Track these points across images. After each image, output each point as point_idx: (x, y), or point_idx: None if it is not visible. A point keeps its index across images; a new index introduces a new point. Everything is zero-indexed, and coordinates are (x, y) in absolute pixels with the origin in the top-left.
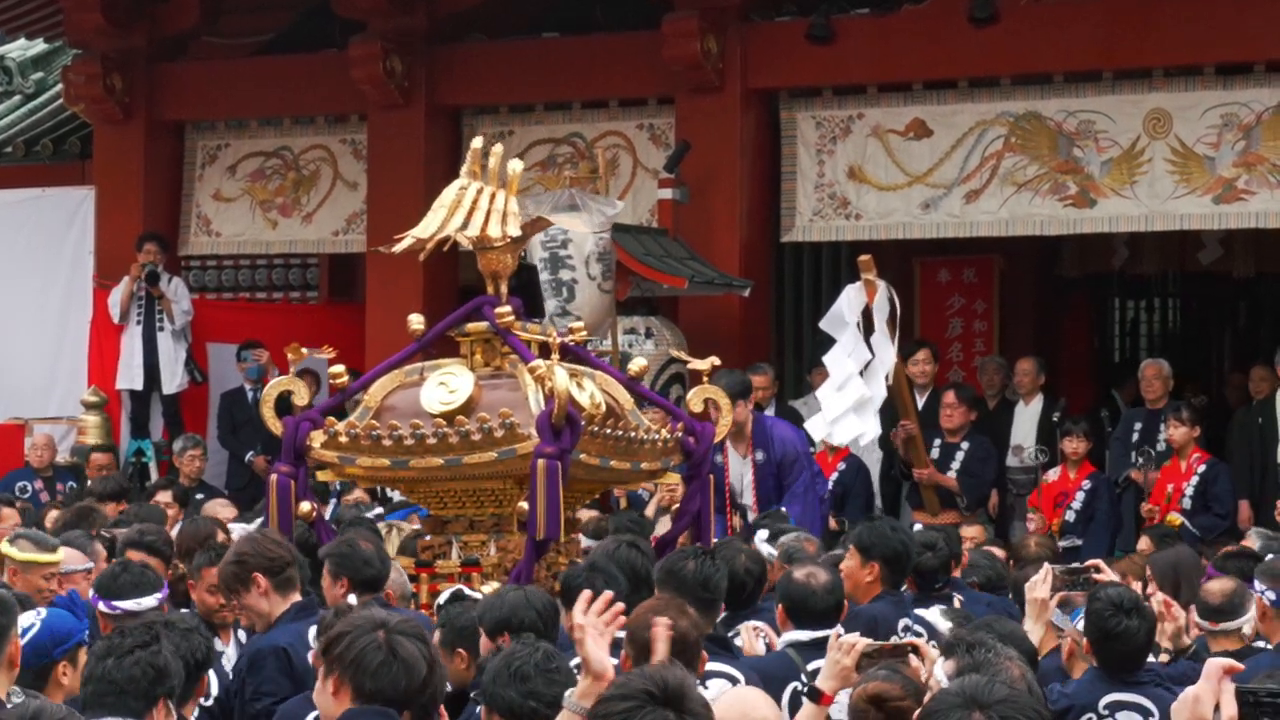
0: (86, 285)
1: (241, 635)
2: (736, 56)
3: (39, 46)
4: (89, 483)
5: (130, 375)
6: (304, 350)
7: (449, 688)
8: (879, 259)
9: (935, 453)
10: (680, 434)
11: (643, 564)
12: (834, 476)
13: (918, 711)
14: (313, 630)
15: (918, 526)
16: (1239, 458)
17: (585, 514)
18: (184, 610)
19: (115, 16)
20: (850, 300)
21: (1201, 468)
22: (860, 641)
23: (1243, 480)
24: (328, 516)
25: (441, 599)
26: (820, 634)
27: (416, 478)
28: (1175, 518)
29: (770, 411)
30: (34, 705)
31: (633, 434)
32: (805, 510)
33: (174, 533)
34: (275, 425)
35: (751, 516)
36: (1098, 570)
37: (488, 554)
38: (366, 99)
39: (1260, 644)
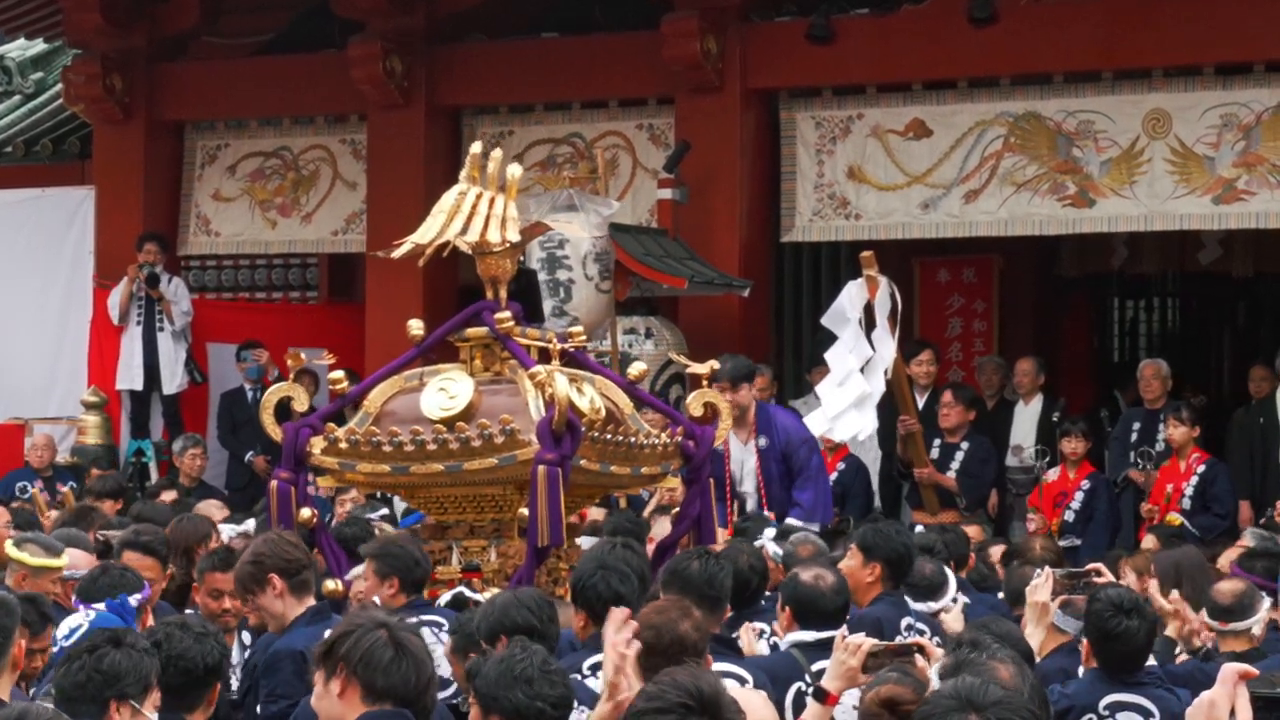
0: (86, 285)
1: (245, 638)
2: (736, 56)
3: (39, 46)
4: (88, 482)
5: (130, 375)
6: (302, 356)
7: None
8: (878, 259)
9: (935, 453)
10: (680, 438)
11: (639, 564)
12: (833, 476)
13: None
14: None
15: (919, 528)
16: (1239, 457)
17: (598, 512)
18: (190, 612)
19: (115, 16)
20: (852, 296)
21: (1201, 468)
22: (867, 642)
23: (1243, 480)
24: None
25: (442, 600)
26: (824, 635)
27: (417, 483)
28: (1175, 518)
29: None
30: (19, 707)
31: (633, 439)
32: (818, 494)
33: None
34: (275, 432)
35: (751, 505)
36: (1098, 574)
37: (488, 559)
38: (366, 99)
39: None
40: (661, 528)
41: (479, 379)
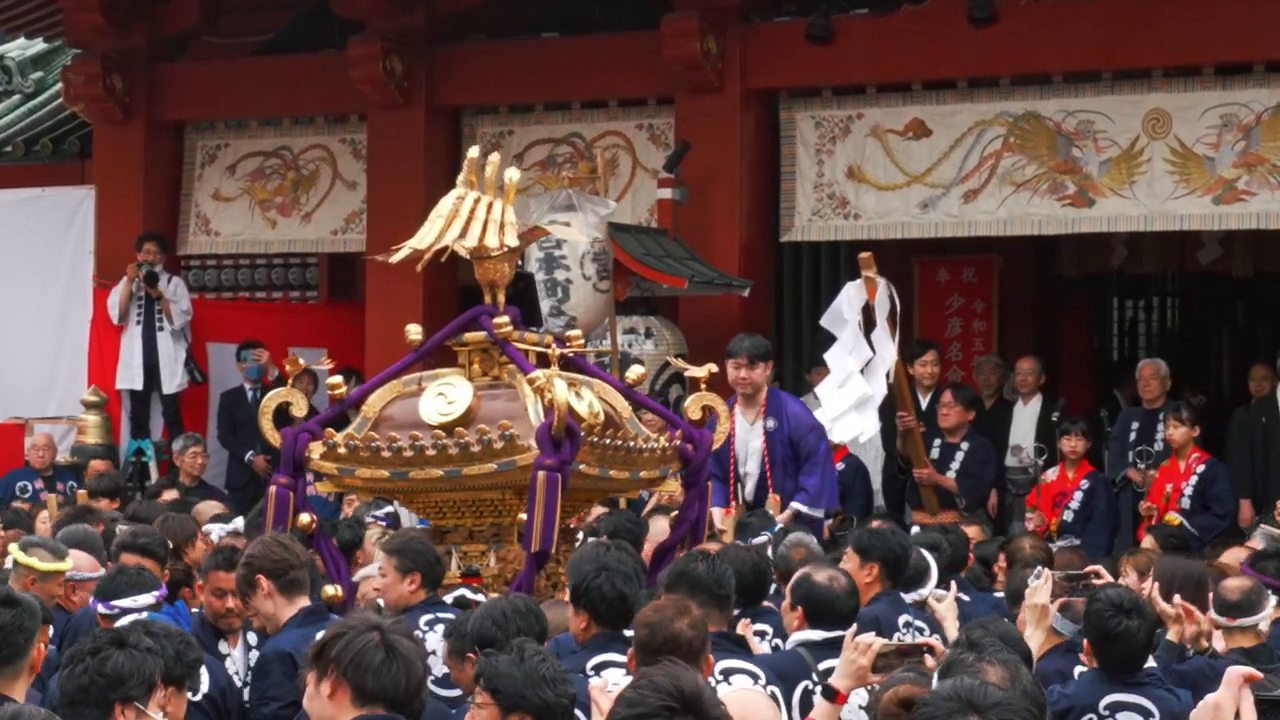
0: (86, 285)
1: (251, 638)
2: (736, 56)
3: (39, 46)
4: (87, 480)
5: (130, 375)
6: (301, 361)
7: (459, 693)
8: (878, 259)
9: (935, 453)
10: (679, 442)
11: (633, 566)
12: None
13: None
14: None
15: (914, 529)
16: (1239, 457)
17: (599, 510)
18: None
19: (115, 16)
20: (851, 297)
21: (1200, 468)
22: (877, 641)
23: (1243, 479)
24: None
25: (448, 601)
26: (832, 634)
27: (416, 488)
28: (1174, 517)
29: None
30: (11, 708)
31: (631, 443)
32: (824, 480)
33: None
34: (274, 437)
35: (752, 486)
36: (1097, 575)
37: (487, 564)
38: (366, 99)
39: None
40: (659, 527)
41: (478, 384)
